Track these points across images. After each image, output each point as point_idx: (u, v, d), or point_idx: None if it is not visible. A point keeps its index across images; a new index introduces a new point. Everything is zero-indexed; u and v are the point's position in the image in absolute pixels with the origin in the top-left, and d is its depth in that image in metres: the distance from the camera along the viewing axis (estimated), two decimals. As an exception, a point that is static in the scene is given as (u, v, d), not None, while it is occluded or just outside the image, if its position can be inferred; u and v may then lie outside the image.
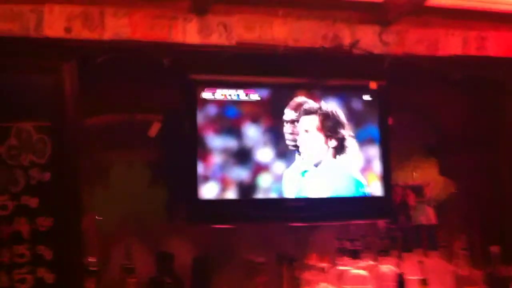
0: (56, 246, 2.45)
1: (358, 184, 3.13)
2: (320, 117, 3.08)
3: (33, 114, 2.46)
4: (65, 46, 2.50)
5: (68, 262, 2.46)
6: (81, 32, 2.50)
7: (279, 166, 3.01)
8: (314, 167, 3.08)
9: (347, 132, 3.12)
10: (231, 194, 2.91)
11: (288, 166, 3.02)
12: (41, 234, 2.44)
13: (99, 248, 2.81)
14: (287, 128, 3.04)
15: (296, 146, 3.04)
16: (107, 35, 2.53)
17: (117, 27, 2.54)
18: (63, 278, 2.44)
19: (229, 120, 2.96)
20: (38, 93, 2.47)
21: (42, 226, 2.45)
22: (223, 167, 2.91)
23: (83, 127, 2.63)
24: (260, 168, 2.97)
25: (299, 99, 3.07)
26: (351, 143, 3.13)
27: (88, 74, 2.53)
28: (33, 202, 2.45)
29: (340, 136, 3.10)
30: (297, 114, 3.05)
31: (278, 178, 3.00)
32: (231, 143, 2.94)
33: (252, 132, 2.98)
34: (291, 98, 3.06)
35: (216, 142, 2.92)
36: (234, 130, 2.96)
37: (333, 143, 3.09)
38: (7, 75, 2.43)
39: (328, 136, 3.08)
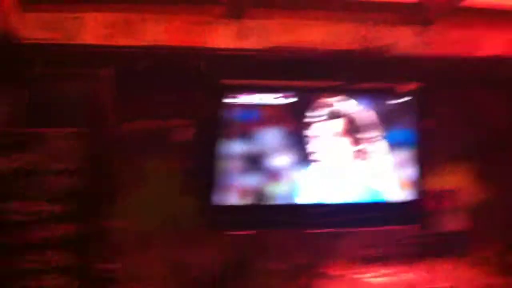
0: (79, 252, 2.49)
1: (382, 190, 3.10)
2: (346, 120, 3.04)
3: (70, 120, 2.49)
4: (104, 52, 2.53)
5: (91, 269, 2.51)
6: (120, 39, 2.51)
7: (297, 171, 3.00)
8: (337, 172, 3.05)
9: (375, 136, 3.08)
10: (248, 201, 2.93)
11: (307, 170, 3.00)
12: (66, 240, 2.47)
13: (121, 254, 2.81)
14: (311, 132, 3.01)
15: (319, 152, 3.02)
16: (145, 42, 2.54)
17: (155, 33, 2.55)
18: (86, 284, 2.50)
19: (258, 125, 2.96)
20: (76, 99, 2.51)
21: (67, 232, 2.48)
22: (241, 172, 2.93)
23: (120, 133, 2.66)
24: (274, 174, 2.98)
25: (326, 100, 3.04)
26: (380, 147, 3.08)
27: (126, 81, 2.55)
28: (59, 208, 2.47)
29: (367, 139, 3.06)
30: (322, 116, 3.02)
31: (297, 183, 2.99)
32: (253, 148, 2.95)
33: (275, 135, 2.98)
34: (321, 101, 3.04)
35: (238, 147, 2.93)
36: (258, 135, 2.96)
37: (359, 147, 3.05)
38: (48, 82, 2.48)
39: (354, 140, 3.04)
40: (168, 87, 2.90)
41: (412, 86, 3.16)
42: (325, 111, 3.02)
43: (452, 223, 3.34)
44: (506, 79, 3.19)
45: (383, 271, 2.92)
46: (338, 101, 3.05)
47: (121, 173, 2.81)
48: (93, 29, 2.47)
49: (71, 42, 2.45)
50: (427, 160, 3.19)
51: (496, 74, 3.16)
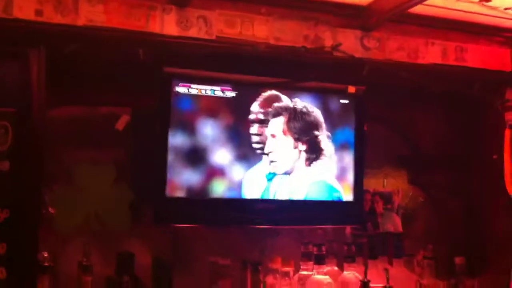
0: (10, 239, 2.31)
1: (333, 190, 3.05)
2: (288, 117, 2.94)
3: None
4: (34, 30, 2.35)
5: (22, 257, 2.34)
6: (53, 16, 2.35)
7: (243, 167, 2.90)
8: (286, 175, 2.97)
9: (322, 134, 3.01)
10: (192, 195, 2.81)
11: (249, 168, 2.90)
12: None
13: (55, 244, 2.71)
14: (253, 129, 2.91)
15: (263, 149, 2.91)
16: (80, 21, 2.39)
17: (92, 13, 2.40)
18: (16, 273, 2.32)
19: (201, 118, 2.83)
20: (2, 79, 2.31)
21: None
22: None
23: (47, 118, 2.48)
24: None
25: (268, 93, 2.94)
26: (327, 145, 3.03)
27: (57, 62, 2.39)
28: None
29: (312, 138, 2.98)
30: (265, 113, 2.91)
31: (243, 179, 2.89)
32: (196, 141, 2.82)
33: (219, 129, 2.87)
34: (266, 96, 2.94)
35: (180, 139, 2.79)
36: (201, 128, 2.83)
37: (304, 147, 2.97)
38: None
39: (297, 139, 2.96)
40: (104, 72, 2.74)
41: (352, 89, 3.14)
42: (270, 107, 2.93)
43: (388, 225, 3.38)
44: (442, 90, 3.26)
45: (320, 268, 2.86)
46: (283, 98, 2.96)
47: (52, 160, 2.66)
48: (22, 4, 2.29)
49: (-2, 16, 2.26)
50: (365, 163, 3.18)
51: (431, 85, 3.22)
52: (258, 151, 2.91)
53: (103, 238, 2.85)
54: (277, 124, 2.94)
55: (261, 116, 2.92)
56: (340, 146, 3.08)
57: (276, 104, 2.94)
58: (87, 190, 2.84)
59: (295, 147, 2.97)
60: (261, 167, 2.93)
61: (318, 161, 3.01)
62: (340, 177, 3.08)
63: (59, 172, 2.79)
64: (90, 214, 2.84)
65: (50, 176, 2.66)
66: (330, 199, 3.06)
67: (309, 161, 2.99)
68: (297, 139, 2.96)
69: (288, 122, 2.94)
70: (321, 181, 3.03)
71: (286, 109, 2.95)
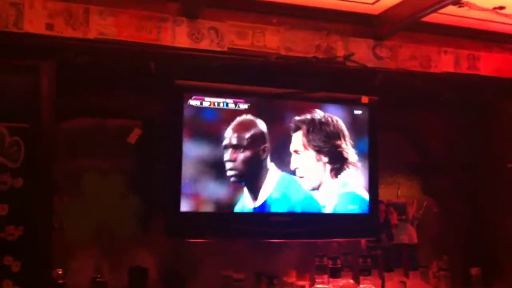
0: (24, 257, 2.29)
1: (362, 201, 3.01)
2: (306, 130, 2.89)
3: (7, 114, 2.28)
4: (46, 43, 2.33)
5: (36, 275, 2.31)
6: (64, 30, 2.33)
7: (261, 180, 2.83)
8: (315, 191, 2.91)
9: (344, 143, 2.95)
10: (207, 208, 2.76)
11: (272, 179, 2.83)
12: (9, 244, 2.27)
13: (66, 258, 2.66)
14: (227, 155, 2.78)
15: (237, 176, 2.79)
16: (91, 35, 2.38)
17: (103, 26, 2.38)
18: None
19: (216, 130, 2.78)
20: (14, 92, 2.29)
21: (11, 235, 2.28)
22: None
23: (59, 131, 2.45)
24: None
25: (243, 117, 2.82)
26: (350, 155, 2.97)
27: (68, 75, 2.37)
28: (2, 209, 2.28)
29: (333, 148, 2.92)
30: (239, 138, 2.80)
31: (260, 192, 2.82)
32: (210, 153, 2.76)
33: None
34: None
35: (194, 151, 2.73)
36: (216, 140, 2.78)
37: (327, 158, 2.92)
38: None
39: (318, 152, 2.90)
40: (115, 84, 2.73)
41: (365, 99, 3.11)
42: (245, 131, 2.84)
43: (403, 236, 3.32)
44: (454, 99, 3.22)
45: (335, 282, 2.78)
46: (258, 122, 2.87)
47: (64, 173, 2.64)
48: (33, 18, 2.28)
49: (8, 30, 2.24)
50: (379, 173, 3.13)
51: (443, 93, 3.18)
52: (233, 179, 2.78)
53: (114, 251, 2.80)
54: (298, 138, 2.89)
55: (234, 141, 2.81)
56: (359, 156, 3.03)
57: (296, 118, 2.89)
58: (98, 203, 2.80)
59: (318, 160, 2.92)
60: (284, 178, 2.85)
61: (344, 172, 2.95)
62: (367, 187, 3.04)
63: (70, 185, 2.74)
64: (101, 227, 2.79)
65: (61, 189, 2.64)
66: (359, 211, 3.01)
67: (334, 172, 2.94)
68: (318, 152, 2.91)
69: (307, 134, 2.90)
70: (350, 192, 2.97)
71: (304, 122, 2.91)
